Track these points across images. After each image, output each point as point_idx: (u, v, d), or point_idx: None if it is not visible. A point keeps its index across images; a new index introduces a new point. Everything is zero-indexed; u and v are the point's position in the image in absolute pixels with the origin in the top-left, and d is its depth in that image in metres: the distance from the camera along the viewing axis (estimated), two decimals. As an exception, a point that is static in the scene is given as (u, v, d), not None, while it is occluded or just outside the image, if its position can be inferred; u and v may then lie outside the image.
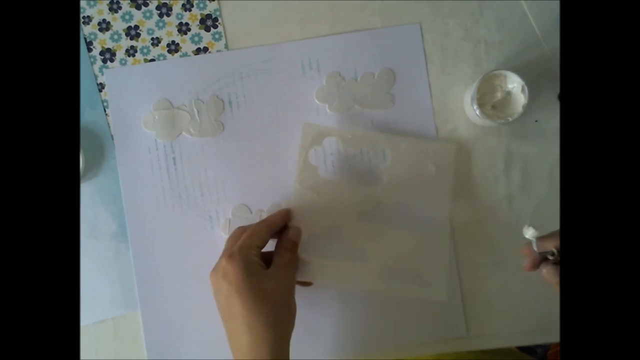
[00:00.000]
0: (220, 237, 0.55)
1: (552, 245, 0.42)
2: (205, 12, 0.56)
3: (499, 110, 0.53)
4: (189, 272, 0.55)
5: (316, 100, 0.56)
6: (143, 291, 0.55)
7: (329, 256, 0.52)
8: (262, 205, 0.55)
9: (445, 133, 0.56)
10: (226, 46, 0.56)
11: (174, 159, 0.55)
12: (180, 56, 0.56)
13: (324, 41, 0.56)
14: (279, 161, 0.55)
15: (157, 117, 0.55)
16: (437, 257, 0.53)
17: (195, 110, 0.55)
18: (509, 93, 0.53)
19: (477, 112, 0.51)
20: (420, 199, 0.54)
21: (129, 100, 0.55)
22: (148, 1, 0.56)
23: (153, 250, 0.55)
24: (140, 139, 0.55)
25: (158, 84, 0.56)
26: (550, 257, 0.42)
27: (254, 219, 0.55)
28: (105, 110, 0.56)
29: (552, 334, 0.55)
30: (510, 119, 0.52)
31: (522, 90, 0.52)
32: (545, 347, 1.03)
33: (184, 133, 0.55)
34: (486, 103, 0.53)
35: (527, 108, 0.51)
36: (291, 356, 0.46)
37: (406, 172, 0.54)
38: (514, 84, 0.53)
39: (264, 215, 0.55)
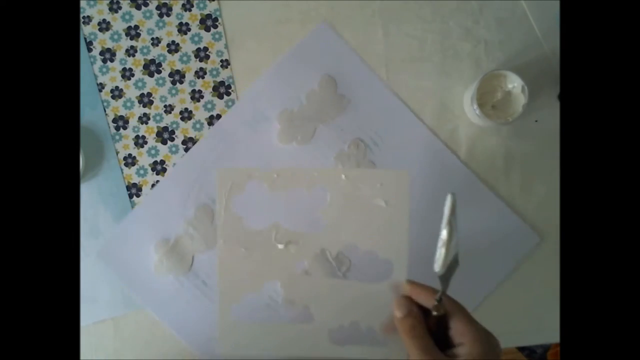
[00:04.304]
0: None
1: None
2: (205, 12, 0.56)
3: (499, 110, 0.53)
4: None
5: (280, 144, 0.54)
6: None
7: (265, 321, 0.46)
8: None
9: (445, 133, 0.56)
10: (226, 46, 0.56)
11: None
12: (181, 56, 0.56)
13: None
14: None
15: (164, 261, 0.53)
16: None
17: (192, 231, 0.53)
18: (509, 93, 0.53)
19: (477, 112, 0.51)
20: (371, 241, 0.45)
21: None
22: (148, 1, 0.56)
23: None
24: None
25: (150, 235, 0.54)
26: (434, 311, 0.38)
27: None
28: (105, 110, 0.56)
29: (552, 334, 0.55)
30: (510, 119, 0.52)
31: (522, 90, 0.52)
32: (545, 347, 1.02)
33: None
34: (486, 103, 0.53)
35: (527, 108, 0.51)
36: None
37: (350, 210, 0.46)
38: (514, 84, 0.53)
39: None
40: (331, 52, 0.55)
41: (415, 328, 0.39)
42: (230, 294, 0.46)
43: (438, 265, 0.40)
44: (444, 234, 0.39)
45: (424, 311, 0.40)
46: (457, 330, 0.38)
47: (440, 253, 0.40)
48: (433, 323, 0.39)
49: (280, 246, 0.46)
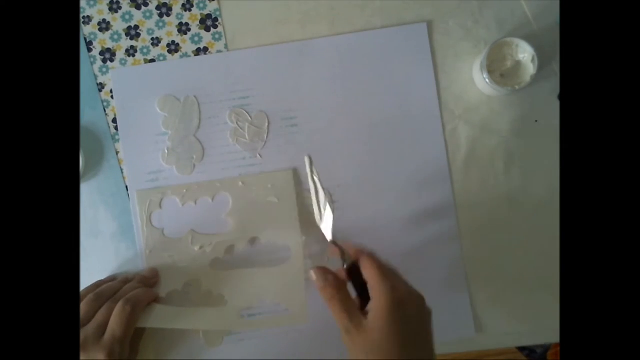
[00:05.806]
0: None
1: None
2: (205, 12, 0.56)
3: (507, 79, 0.53)
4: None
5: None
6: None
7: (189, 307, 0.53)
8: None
9: (445, 133, 0.56)
10: (226, 46, 0.56)
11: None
12: (181, 56, 0.56)
13: (324, 41, 0.56)
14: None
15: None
16: (294, 283, 0.53)
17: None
18: (518, 62, 0.53)
19: (487, 79, 0.51)
20: (270, 232, 0.54)
21: (135, 99, 0.55)
22: (148, 1, 0.56)
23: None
24: (146, 135, 0.55)
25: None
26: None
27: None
28: (105, 110, 0.56)
29: (552, 334, 0.55)
30: (517, 87, 0.52)
31: (532, 60, 0.52)
32: (545, 347, 1.03)
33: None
34: (495, 71, 0.53)
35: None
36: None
37: (249, 209, 0.54)
38: (525, 53, 0.53)
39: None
40: (413, 52, 0.57)
41: (335, 296, 0.41)
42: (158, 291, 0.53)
43: (317, 219, 0.47)
44: (311, 189, 0.48)
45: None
46: (370, 284, 0.41)
47: (314, 207, 0.47)
48: (348, 276, 0.43)
49: (197, 248, 0.54)
